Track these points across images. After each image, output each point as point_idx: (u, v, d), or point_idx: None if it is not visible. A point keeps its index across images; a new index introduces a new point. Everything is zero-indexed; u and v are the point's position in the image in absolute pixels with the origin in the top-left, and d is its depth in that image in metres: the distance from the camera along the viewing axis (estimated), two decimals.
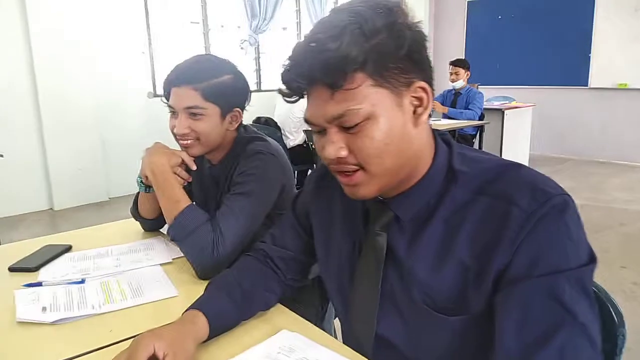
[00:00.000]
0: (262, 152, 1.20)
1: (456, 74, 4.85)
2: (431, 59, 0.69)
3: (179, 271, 1.12)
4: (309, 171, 4.22)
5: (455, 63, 4.89)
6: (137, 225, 1.41)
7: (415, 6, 6.77)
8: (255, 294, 0.89)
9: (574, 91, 6.29)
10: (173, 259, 1.18)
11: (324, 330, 0.86)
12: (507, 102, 5.61)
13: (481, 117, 4.87)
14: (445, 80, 5.03)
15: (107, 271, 1.11)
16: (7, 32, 4.09)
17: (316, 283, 1.32)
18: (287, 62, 0.66)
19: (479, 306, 0.66)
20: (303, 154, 4.16)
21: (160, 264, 1.15)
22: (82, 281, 1.06)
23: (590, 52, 6.04)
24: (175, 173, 1.18)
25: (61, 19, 4.26)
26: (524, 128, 5.59)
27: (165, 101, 1.21)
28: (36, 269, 1.13)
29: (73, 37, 4.32)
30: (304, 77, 0.63)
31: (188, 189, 1.21)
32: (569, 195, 0.64)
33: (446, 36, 7.51)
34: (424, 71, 0.67)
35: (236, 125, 1.25)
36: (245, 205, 1.14)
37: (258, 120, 4.38)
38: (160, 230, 1.41)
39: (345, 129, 0.65)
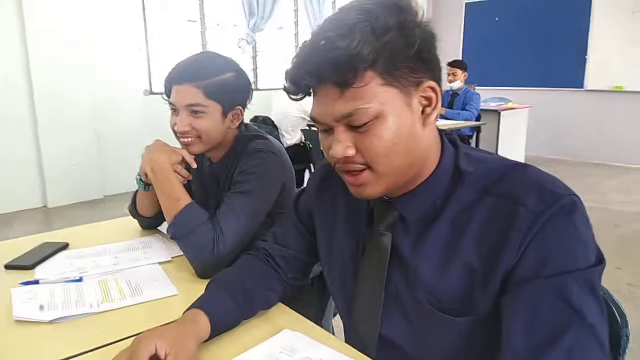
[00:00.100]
0: (264, 151, 1.19)
1: (453, 74, 4.86)
2: None
3: (178, 270, 1.11)
4: (306, 170, 4.22)
5: (453, 64, 4.89)
6: (134, 223, 1.40)
7: None
8: (256, 293, 0.88)
9: (570, 93, 6.32)
10: (172, 257, 1.17)
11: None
12: (503, 103, 5.62)
13: (478, 118, 4.89)
14: (442, 81, 5.03)
15: (105, 269, 1.10)
16: (3, 30, 4.05)
17: (315, 282, 1.31)
18: (295, 59, 0.65)
19: (485, 307, 0.66)
20: (300, 153, 4.15)
21: (159, 263, 1.14)
22: (80, 279, 1.04)
23: (586, 54, 6.07)
24: (175, 171, 1.16)
25: (57, 17, 4.23)
26: (519, 129, 5.62)
27: (166, 98, 1.20)
28: (32, 266, 1.12)
29: (69, 34, 4.30)
30: (313, 75, 0.63)
31: (188, 187, 1.20)
32: (577, 196, 0.63)
33: (444, 37, 7.51)
34: (433, 71, 0.66)
35: (237, 124, 1.24)
36: (245, 204, 1.13)
37: (255, 119, 4.37)
38: (159, 228, 1.40)
39: (353, 128, 0.65)
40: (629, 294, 2.58)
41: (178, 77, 1.15)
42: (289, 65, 0.65)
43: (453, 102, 4.98)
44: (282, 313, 0.91)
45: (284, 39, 6.43)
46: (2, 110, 4.12)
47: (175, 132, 1.19)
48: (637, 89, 5.74)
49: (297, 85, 0.66)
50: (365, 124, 0.63)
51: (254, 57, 6.02)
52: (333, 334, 1.27)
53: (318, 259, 0.94)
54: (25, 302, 0.93)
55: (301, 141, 4.23)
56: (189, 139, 1.17)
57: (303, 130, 4.15)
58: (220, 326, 0.80)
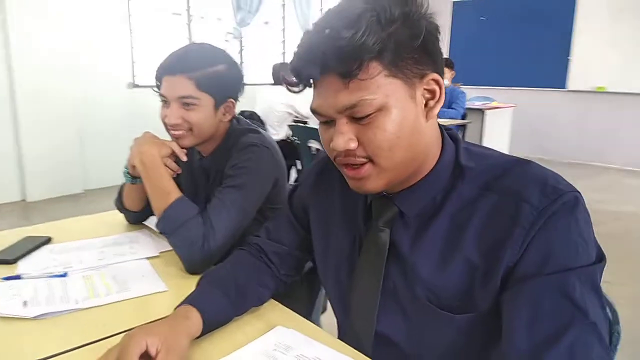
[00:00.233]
0: (256, 145, 1.16)
1: None
2: None
3: (166, 265, 1.08)
4: (292, 167, 4.19)
5: None
6: (119, 217, 1.36)
7: None
8: (249, 289, 0.86)
9: (552, 93, 6.42)
10: (160, 252, 1.14)
11: None
12: (487, 102, 5.67)
13: (464, 117, 4.92)
14: None
15: (90, 264, 1.07)
16: None
17: (304, 278, 1.29)
18: (298, 49, 0.63)
19: (485, 304, 0.65)
20: (286, 149, 4.11)
21: (147, 258, 1.11)
22: (64, 274, 1.01)
23: (569, 55, 6.17)
24: (164, 164, 1.13)
25: (40, 11, 4.12)
26: (503, 128, 5.67)
27: (157, 90, 1.16)
28: (14, 261, 1.08)
29: (52, 27, 4.19)
30: (317, 65, 0.61)
31: (176, 180, 1.17)
32: (579, 193, 0.63)
33: None
34: (436, 63, 0.65)
35: (229, 117, 1.22)
36: (237, 199, 1.10)
37: (242, 114, 4.30)
38: (146, 222, 1.36)
39: (356, 120, 0.63)
40: (607, 292, 2.62)
41: (170, 68, 1.12)
42: (277, 61, 0.64)
43: None
44: (273, 309, 0.89)
45: (270, 34, 6.39)
46: None
47: (165, 125, 1.16)
48: (619, 90, 5.86)
49: (299, 76, 0.64)
50: (368, 115, 0.62)
51: (240, 52, 5.96)
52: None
53: (312, 255, 0.92)
54: (8, 298, 0.90)
55: (288, 137, 4.19)
56: (180, 132, 1.14)
57: (290, 126, 4.12)
58: (213, 323, 0.78)
